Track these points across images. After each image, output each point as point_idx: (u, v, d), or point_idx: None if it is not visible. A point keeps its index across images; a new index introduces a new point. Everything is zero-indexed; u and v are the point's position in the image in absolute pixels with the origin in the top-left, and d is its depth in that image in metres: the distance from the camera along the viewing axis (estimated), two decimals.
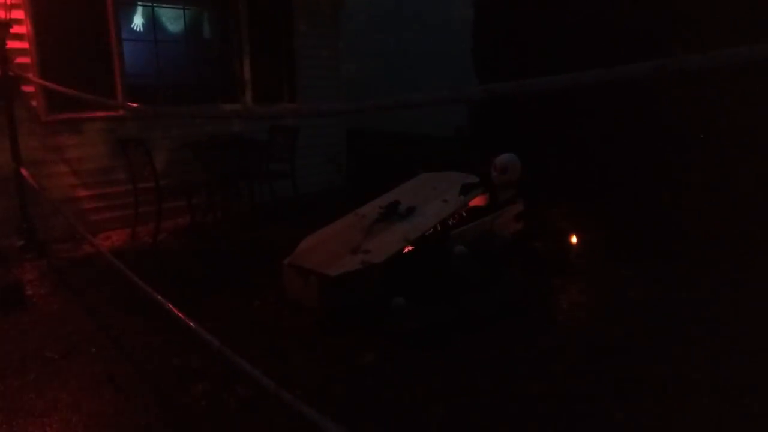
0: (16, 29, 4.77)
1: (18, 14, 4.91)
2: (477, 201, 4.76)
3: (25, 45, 5.03)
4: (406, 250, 3.90)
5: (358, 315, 3.55)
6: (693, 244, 4.53)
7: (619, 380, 2.94)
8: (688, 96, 5.15)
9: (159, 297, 2.74)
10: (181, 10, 6.67)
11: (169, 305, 2.64)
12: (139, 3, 6.69)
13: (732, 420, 2.61)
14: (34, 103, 5.16)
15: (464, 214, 4.51)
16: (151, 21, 6.51)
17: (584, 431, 2.58)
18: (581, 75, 1.29)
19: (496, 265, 4.18)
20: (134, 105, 5.59)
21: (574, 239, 4.48)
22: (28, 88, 5.09)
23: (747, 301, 3.80)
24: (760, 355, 3.11)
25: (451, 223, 4.38)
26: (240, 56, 6.80)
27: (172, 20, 7.08)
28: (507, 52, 7.66)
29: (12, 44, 4.76)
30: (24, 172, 4.72)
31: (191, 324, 2.46)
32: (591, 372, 3.03)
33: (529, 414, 2.69)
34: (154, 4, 6.54)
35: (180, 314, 2.56)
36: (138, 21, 7.15)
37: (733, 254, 4.36)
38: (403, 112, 8.73)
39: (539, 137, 6.44)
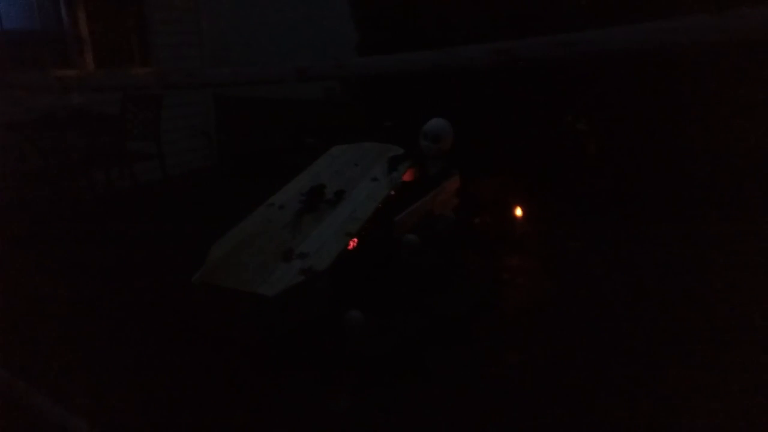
0: None
1: None
2: (405, 176, 4.06)
3: None
4: (349, 247, 3.10)
5: (303, 341, 2.72)
6: (638, 205, 4.27)
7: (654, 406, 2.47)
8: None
9: None
10: None
11: None
12: None
13: None
14: None
15: (395, 193, 3.79)
16: None
17: None
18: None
19: (447, 251, 3.55)
20: None
21: (518, 212, 3.98)
22: None
23: (709, 260, 3.57)
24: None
25: (386, 206, 3.64)
26: (73, 7, 5.30)
27: None
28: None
29: None
30: None
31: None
32: (609, 397, 2.52)
33: None
34: None
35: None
36: None
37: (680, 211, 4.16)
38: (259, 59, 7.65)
39: (433, 98, 5.81)
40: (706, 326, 2.88)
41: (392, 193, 3.69)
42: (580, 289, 3.37)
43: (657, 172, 4.51)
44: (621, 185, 4.35)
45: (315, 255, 2.90)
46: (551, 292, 3.37)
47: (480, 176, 4.17)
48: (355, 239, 3.15)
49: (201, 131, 6.64)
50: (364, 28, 7.11)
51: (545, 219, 4.13)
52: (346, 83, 8.81)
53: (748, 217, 3.94)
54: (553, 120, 5.01)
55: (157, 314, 3.14)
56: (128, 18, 5.87)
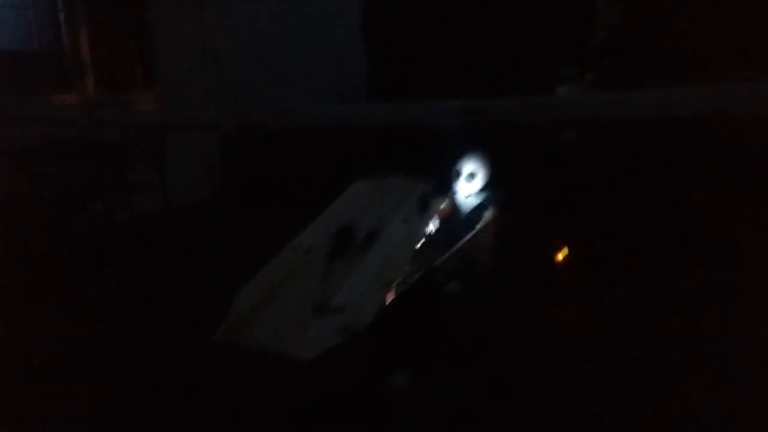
0: None
1: None
2: (438, 215, 3.74)
3: None
4: (388, 299, 2.75)
5: (342, 413, 2.36)
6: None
7: None
8: None
9: None
10: None
11: None
12: None
13: None
14: None
15: (431, 236, 3.47)
16: None
17: None
18: None
19: (491, 302, 3.22)
20: None
21: (561, 254, 3.66)
22: None
23: None
24: None
25: (423, 251, 3.31)
26: (74, 26, 5.00)
27: None
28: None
29: None
30: None
31: None
32: None
33: None
34: None
35: None
36: None
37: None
38: (266, 83, 7.34)
39: None
40: None
41: (427, 235, 3.36)
42: (638, 344, 3.04)
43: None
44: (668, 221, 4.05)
45: (352, 310, 2.55)
46: (606, 348, 3.03)
47: (518, 215, 3.86)
48: (393, 290, 2.81)
49: (203, 158, 6.31)
50: (376, 59, 6.86)
51: (592, 261, 3.81)
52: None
53: None
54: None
55: (166, 376, 2.75)
56: (131, 40, 5.57)
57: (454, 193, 3.82)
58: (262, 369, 2.34)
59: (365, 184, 4.08)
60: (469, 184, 3.74)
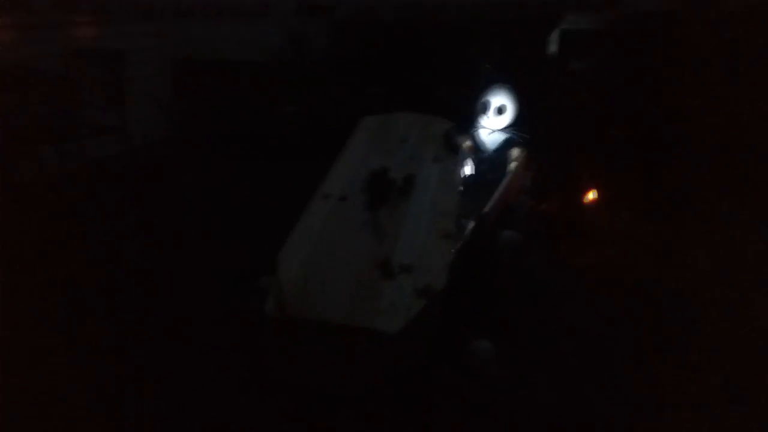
0: None
1: None
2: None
3: None
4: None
5: (427, 392, 2.04)
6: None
7: None
8: None
9: None
10: None
11: None
12: None
13: None
14: None
15: (472, 177, 3.16)
16: None
17: None
18: None
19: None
20: None
21: (591, 195, 3.42)
22: None
23: None
24: None
25: (469, 195, 2.99)
26: None
27: None
28: None
29: None
30: None
31: None
32: None
33: None
34: None
35: None
36: None
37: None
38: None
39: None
40: None
41: (466, 176, 3.04)
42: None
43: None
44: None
45: (422, 267, 2.21)
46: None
47: (546, 152, 3.58)
48: (454, 240, 2.49)
49: (157, 97, 5.55)
50: None
51: (622, 203, 3.58)
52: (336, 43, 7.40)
53: None
54: None
55: (213, 352, 2.31)
56: None
57: (479, 128, 3.49)
58: (338, 342, 1.97)
59: (375, 120, 3.64)
60: (498, 119, 3.41)
